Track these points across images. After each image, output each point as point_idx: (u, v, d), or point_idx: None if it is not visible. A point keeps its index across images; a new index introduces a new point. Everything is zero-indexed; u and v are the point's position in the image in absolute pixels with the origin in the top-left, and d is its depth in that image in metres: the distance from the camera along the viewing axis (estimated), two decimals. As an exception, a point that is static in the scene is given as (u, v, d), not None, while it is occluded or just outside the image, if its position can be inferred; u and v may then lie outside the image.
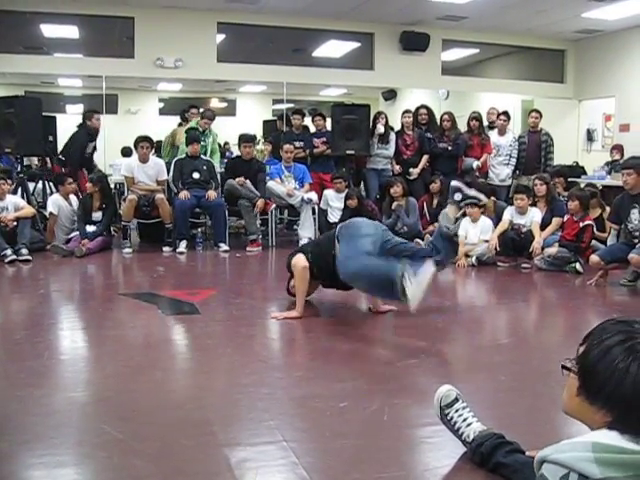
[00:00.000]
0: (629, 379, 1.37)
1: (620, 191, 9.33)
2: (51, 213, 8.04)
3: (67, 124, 14.46)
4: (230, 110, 17.80)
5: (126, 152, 11.96)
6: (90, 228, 7.95)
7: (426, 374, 3.67)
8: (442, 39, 11.82)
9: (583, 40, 12.41)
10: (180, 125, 10.50)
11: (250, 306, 5.33)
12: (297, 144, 9.18)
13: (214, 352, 4.11)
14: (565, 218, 7.34)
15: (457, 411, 2.55)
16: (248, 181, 8.40)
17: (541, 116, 9.60)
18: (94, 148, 9.69)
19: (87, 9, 10.07)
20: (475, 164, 9.31)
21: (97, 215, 8.10)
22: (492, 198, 8.19)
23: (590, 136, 13.05)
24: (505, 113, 9.70)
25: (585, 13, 10.45)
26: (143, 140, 8.32)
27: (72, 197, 8.37)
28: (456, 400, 2.57)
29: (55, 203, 8.08)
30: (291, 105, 14.69)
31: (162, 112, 16.68)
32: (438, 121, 9.63)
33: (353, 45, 11.88)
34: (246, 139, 8.81)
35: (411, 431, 2.93)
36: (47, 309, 5.36)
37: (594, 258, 6.24)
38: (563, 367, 1.55)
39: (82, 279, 6.86)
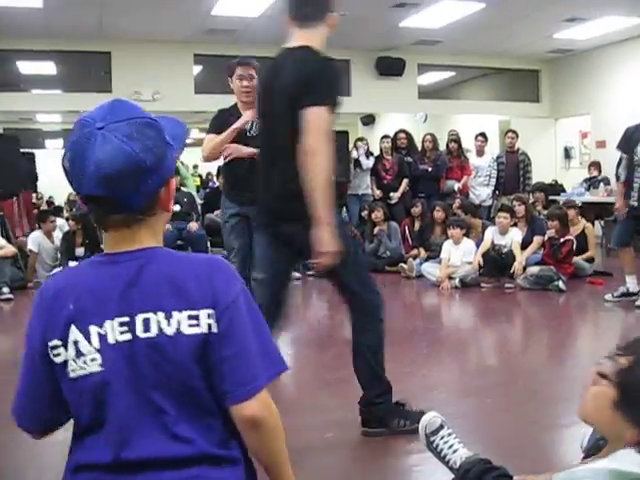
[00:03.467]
0: None
1: (599, 207, 9.48)
2: (31, 250, 7.98)
3: (47, 159, 14.56)
4: (210, 140, 17.83)
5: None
6: (73, 264, 7.90)
7: (412, 400, 3.64)
8: (418, 63, 11.95)
9: (556, 60, 12.60)
10: None
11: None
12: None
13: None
14: (546, 237, 7.40)
15: (442, 438, 2.54)
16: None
17: (517, 136, 9.70)
18: None
19: (63, 45, 10.10)
20: (456, 186, 9.40)
21: (80, 251, 8.06)
22: (478, 219, 8.26)
23: (568, 154, 13.20)
24: (482, 134, 9.79)
25: (556, 34, 10.62)
26: None
27: (55, 233, 8.33)
28: (441, 427, 2.56)
29: (35, 241, 8.03)
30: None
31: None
32: (419, 143, 9.72)
33: (330, 72, 11.96)
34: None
35: (398, 459, 2.92)
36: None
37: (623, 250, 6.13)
38: (600, 375, 1.43)
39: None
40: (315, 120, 2.78)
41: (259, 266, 3.17)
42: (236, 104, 4.66)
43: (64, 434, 1.40)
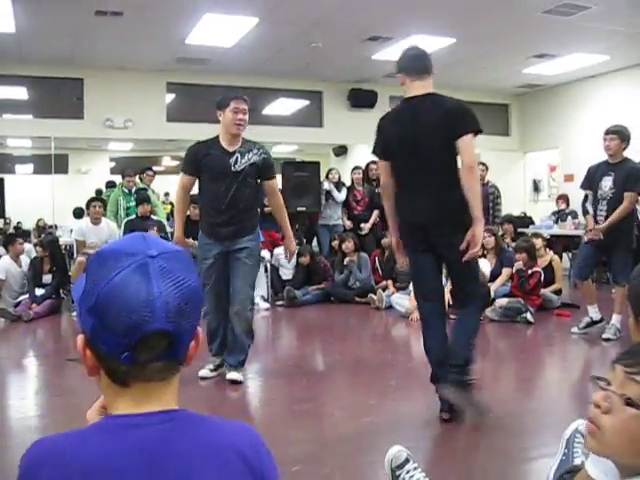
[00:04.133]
0: None
1: (567, 239, 9.60)
2: None
3: (17, 184, 14.43)
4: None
5: (78, 213, 11.85)
6: (40, 291, 7.80)
7: (379, 434, 3.62)
8: (390, 95, 12.03)
9: (526, 94, 12.84)
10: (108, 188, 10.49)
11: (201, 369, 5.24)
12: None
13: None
14: (514, 269, 7.46)
15: (408, 472, 2.53)
16: (197, 242, 8.28)
17: (487, 169, 9.81)
18: None
19: (36, 71, 10.07)
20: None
21: (47, 278, 7.95)
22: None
23: (536, 187, 13.39)
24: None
25: (526, 69, 10.84)
26: (95, 200, 8.34)
27: (22, 257, 8.21)
28: (407, 461, 2.55)
29: (3, 268, 7.91)
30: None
31: (113, 171, 16.64)
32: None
33: (302, 103, 12.07)
34: (195, 201, 8.74)
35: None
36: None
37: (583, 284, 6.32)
38: (596, 378, 1.24)
39: (30, 344, 6.70)
40: (469, 144, 3.58)
41: (421, 283, 3.95)
42: (217, 137, 4.70)
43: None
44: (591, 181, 6.14)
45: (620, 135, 5.91)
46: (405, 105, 3.85)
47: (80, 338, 1.05)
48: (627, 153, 6.03)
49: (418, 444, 3.30)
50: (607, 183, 5.96)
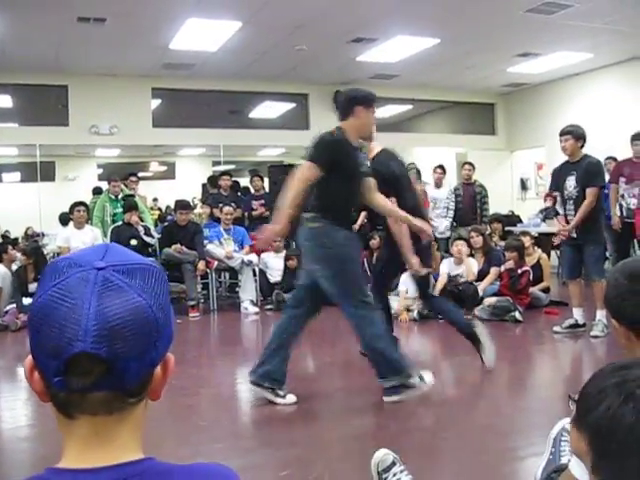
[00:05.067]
0: (604, 405, 1.33)
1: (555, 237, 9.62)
2: None
3: (3, 192, 14.35)
4: (170, 173, 17.78)
5: (65, 219, 11.80)
6: (26, 300, 7.74)
7: (367, 437, 3.62)
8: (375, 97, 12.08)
9: (511, 93, 12.88)
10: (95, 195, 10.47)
11: (190, 375, 5.22)
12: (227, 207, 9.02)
13: (147, 425, 3.99)
14: (502, 268, 7.48)
15: (395, 475, 2.53)
16: (184, 247, 8.27)
17: (474, 168, 9.83)
18: None
19: (20, 78, 10.01)
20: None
21: (33, 286, 7.88)
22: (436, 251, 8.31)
23: (524, 185, 13.41)
24: (441, 167, 9.91)
25: (510, 68, 10.87)
26: (79, 205, 8.37)
27: (14, 266, 8.18)
28: (393, 464, 2.55)
29: (1, 275, 7.84)
30: (232, 166, 14.77)
31: (101, 178, 16.54)
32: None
33: (288, 106, 12.06)
34: (182, 206, 8.73)
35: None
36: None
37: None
38: (570, 397, 1.49)
39: (18, 354, 6.65)
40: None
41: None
42: (343, 132, 4.31)
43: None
44: (557, 182, 6.28)
45: (574, 134, 6.03)
46: None
47: (29, 358, 0.92)
48: (617, 148, 6.12)
49: (405, 445, 3.30)
50: (571, 183, 6.09)
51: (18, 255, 8.46)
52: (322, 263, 4.14)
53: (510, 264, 7.42)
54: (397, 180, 5.02)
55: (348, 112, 4.32)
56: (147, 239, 8.38)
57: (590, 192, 5.95)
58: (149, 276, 0.92)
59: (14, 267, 8.17)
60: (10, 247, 8.22)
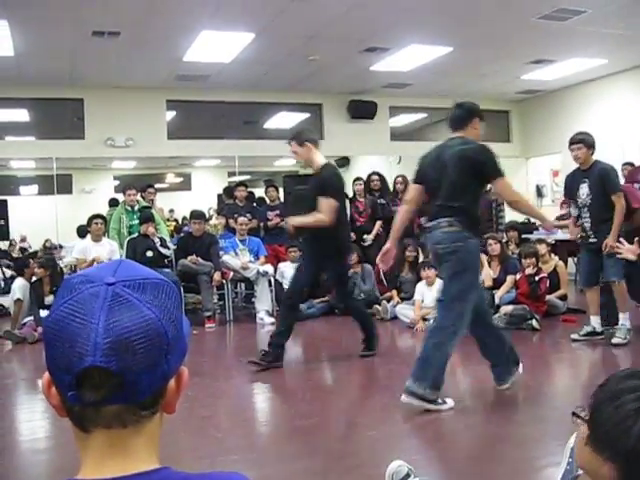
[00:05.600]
0: (635, 430, 1.31)
1: (572, 244, 9.55)
2: (19, 299, 7.83)
3: (21, 206, 14.48)
4: (185, 185, 17.88)
5: (82, 231, 11.87)
6: (43, 313, 7.78)
7: (382, 448, 3.60)
8: (389, 106, 12.09)
9: (526, 100, 12.83)
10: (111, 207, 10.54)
11: (206, 386, 5.22)
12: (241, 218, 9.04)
13: (163, 438, 3.99)
14: (518, 276, 7.43)
15: (410, 487, 2.51)
16: (200, 258, 8.29)
17: (490, 176, 9.79)
18: None
19: (36, 93, 10.11)
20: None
21: (49, 299, 7.92)
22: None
23: (540, 192, 13.33)
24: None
25: (524, 75, 10.83)
26: (97, 217, 8.42)
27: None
28: (408, 476, 2.53)
29: (21, 289, 7.89)
30: (247, 177, 14.83)
31: (117, 190, 16.67)
32: (391, 185, 9.77)
33: (303, 116, 12.08)
34: (196, 215, 8.76)
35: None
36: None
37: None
38: (574, 414, 1.46)
39: (35, 366, 6.68)
40: None
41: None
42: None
43: None
44: (570, 190, 6.30)
45: (585, 143, 6.05)
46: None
47: (46, 374, 0.94)
48: (629, 155, 6.08)
49: (423, 456, 3.28)
50: (584, 190, 6.08)
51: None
52: (458, 264, 4.30)
53: (530, 270, 7.36)
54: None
55: (467, 123, 4.63)
56: (163, 250, 8.40)
57: (616, 198, 5.90)
58: (160, 291, 0.93)
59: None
60: (32, 261, 8.27)
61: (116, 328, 0.87)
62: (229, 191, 10.63)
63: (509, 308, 7.10)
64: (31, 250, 13.17)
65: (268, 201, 9.97)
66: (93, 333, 0.86)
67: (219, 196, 13.30)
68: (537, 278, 7.27)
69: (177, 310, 0.95)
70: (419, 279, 7.71)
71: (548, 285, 7.37)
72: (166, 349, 0.91)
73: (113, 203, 11.05)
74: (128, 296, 0.90)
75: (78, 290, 0.91)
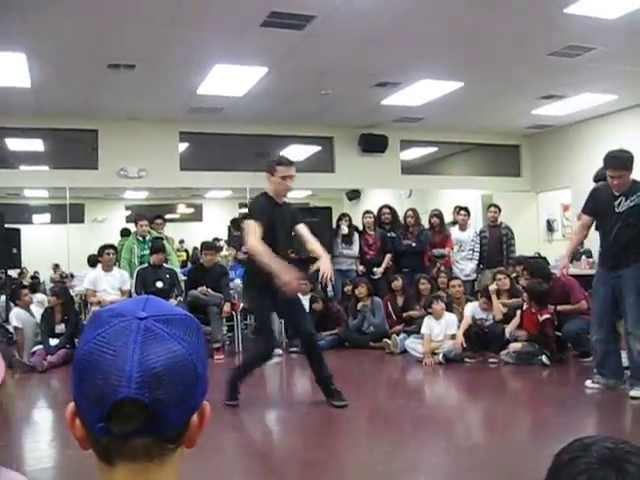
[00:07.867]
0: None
1: (582, 279, 9.46)
2: (16, 327, 7.89)
3: (33, 234, 14.59)
4: (197, 215, 17.99)
5: (93, 261, 11.93)
6: (53, 341, 7.81)
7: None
8: (400, 140, 12.17)
9: (536, 135, 12.90)
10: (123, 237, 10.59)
11: (214, 418, 5.18)
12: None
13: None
14: (518, 313, 7.31)
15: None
16: (210, 290, 8.31)
17: (500, 210, 9.83)
18: None
19: (51, 123, 10.26)
20: (447, 250, 9.51)
21: (60, 327, 7.96)
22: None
23: (550, 226, 13.35)
24: (465, 209, 9.90)
25: (535, 110, 10.91)
26: (108, 247, 8.47)
27: (32, 308, 8.28)
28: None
29: (18, 317, 7.95)
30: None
31: (129, 220, 16.76)
32: (402, 219, 9.79)
33: (314, 149, 12.17)
34: (207, 247, 8.79)
35: None
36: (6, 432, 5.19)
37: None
38: None
39: (44, 395, 6.70)
40: None
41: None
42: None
43: None
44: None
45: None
46: None
47: (71, 405, 0.95)
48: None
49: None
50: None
51: (39, 298, 8.59)
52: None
53: (528, 308, 7.14)
54: None
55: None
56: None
57: None
58: (187, 326, 0.95)
59: (33, 309, 8.28)
60: (25, 291, 8.34)
61: (150, 361, 0.88)
62: (236, 223, 10.66)
63: (518, 346, 6.99)
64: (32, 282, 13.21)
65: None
66: (128, 365, 0.87)
67: (229, 227, 13.33)
68: (541, 319, 7.05)
69: (202, 346, 0.97)
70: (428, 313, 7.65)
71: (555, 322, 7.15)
72: (195, 384, 0.93)
73: (125, 233, 11.13)
74: (159, 331, 0.92)
75: (110, 324, 0.92)
